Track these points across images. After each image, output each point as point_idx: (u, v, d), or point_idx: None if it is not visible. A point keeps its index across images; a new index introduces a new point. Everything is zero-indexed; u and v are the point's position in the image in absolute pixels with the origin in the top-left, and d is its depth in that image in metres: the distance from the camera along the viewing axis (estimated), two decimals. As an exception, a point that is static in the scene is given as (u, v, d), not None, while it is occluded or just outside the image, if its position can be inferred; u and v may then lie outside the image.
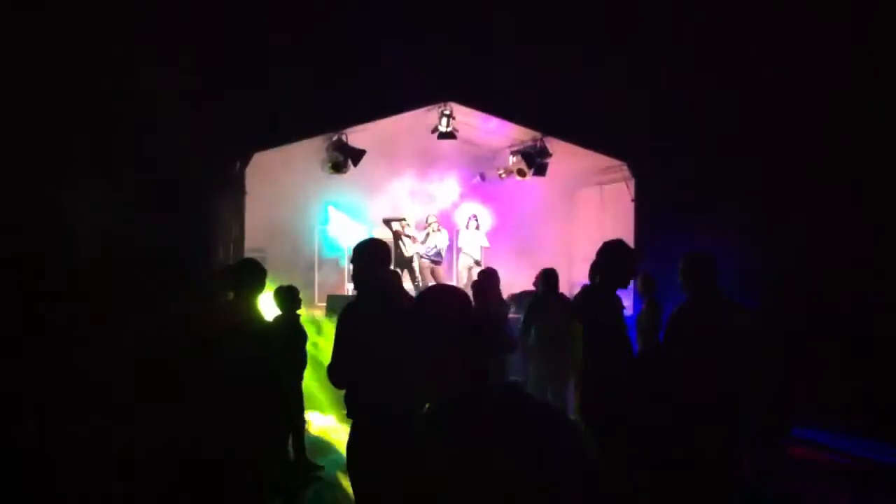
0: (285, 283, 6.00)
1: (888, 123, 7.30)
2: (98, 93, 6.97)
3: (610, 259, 4.04)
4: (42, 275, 5.82)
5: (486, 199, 11.85)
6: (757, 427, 5.00)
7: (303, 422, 5.86)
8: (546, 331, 6.19)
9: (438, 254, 10.95)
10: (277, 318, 5.70)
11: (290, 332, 5.67)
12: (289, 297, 5.83)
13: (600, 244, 4.09)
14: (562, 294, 6.69)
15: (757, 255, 7.39)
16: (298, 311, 5.92)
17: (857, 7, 7.43)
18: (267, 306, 5.99)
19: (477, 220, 11.21)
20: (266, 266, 4.52)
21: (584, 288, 4.24)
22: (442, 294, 2.16)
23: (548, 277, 6.58)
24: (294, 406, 5.55)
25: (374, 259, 3.63)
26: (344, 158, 10.05)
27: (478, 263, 10.64)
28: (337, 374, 3.55)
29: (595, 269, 4.09)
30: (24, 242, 6.12)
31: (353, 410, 3.51)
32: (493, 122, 10.08)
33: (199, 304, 6.14)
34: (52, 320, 5.39)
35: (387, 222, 11.46)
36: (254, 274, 4.38)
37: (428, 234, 10.95)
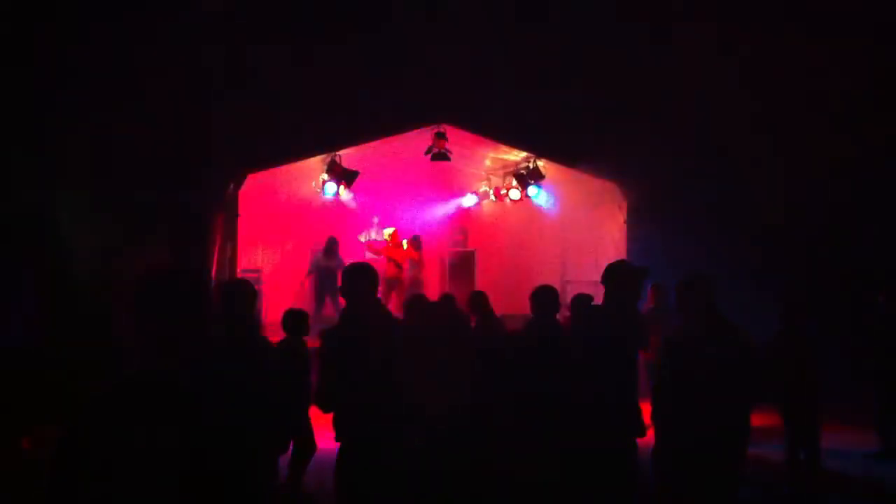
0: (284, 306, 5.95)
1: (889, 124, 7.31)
2: (93, 110, 6.95)
3: (613, 277, 4.02)
4: (40, 286, 5.76)
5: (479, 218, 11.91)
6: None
7: (311, 449, 5.67)
8: None
9: None
10: (280, 343, 5.61)
11: (289, 357, 5.55)
12: (290, 322, 5.73)
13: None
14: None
15: (753, 274, 7.39)
16: (304, 338, 5.81)
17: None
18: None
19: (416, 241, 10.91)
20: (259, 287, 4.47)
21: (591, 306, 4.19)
22: None
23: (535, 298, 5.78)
24: (299, 432, 5.41)
25: (357, 282, 3.66)
26: (337, 180, 10.06)
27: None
28: (322, 398, 3.59)
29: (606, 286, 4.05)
30: (21, 253, 6.07)
31: (341, 433, 3.54)
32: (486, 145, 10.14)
33: (194, 323, 6.04)
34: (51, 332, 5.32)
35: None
36: (244, 293, 4.31)
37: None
